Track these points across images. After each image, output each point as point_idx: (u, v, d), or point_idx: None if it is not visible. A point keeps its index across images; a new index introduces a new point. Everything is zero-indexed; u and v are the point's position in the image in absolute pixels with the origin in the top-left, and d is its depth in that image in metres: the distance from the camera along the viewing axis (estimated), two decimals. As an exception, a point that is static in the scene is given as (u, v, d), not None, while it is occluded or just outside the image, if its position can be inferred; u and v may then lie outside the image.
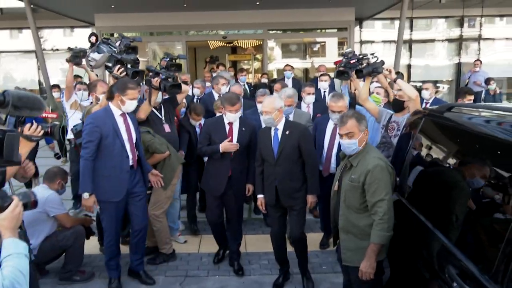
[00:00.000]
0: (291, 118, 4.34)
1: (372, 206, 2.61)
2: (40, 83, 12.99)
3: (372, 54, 4.01)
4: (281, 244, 3.78)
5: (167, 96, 4.46)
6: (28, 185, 5.78)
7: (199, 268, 4.15)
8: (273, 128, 3.57)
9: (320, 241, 4.51)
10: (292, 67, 8.42)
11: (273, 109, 3.46)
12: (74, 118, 4.91)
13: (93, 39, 4.23)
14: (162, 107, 4.43)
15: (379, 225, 2.56)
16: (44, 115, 2.50)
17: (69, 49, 5.14)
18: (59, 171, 3.91)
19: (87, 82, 5.82)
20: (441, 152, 2.71)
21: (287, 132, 3.50)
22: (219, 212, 4.04)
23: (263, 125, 3.83)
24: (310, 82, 6.18)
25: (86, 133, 3.45)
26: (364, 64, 3.91)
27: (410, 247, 2.67)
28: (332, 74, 6.83)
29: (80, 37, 13.07)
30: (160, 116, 4.39)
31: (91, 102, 5.13)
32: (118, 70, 3.82)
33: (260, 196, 3.73)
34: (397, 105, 4.05)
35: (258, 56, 14.00)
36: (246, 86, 7.91)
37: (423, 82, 5.19)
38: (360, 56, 3.98)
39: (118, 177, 3.52)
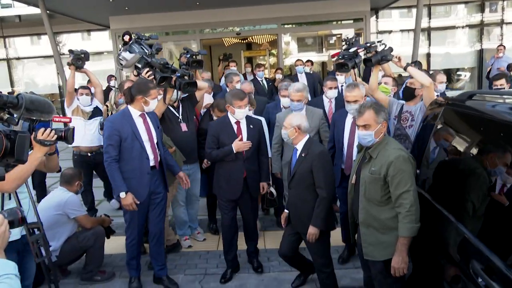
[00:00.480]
0: (302, 113, 4.06)
1: (396, 199, 2.53)
2: (60, 87, 13.23)
3: (380, 41, 3.87)
4: (292, 262, 3.65)
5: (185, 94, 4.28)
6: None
7: (218, 266, 4.14)
8: (294, 147, 3.37)
9: (340, 253, 4.16)
10: (304, 61, 8.26)
11: (290, 125, 3.26)
12: (76, 125, 4.27)
13: (126, 37, 4.05)
14: (181, 105, 4.30)
15: (407, 217, 2.48)
16: (56, 119, 2.51)
17: (70, 52, 4.91)
18: (75, 173, 3.95)
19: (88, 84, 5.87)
20: (464, 143, 2.59)
21: (303, 154, 3.23)
22: (234, 214, 3.89)
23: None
24: (332, 76, 5.94)
25: (106, 136, 3.47)
26: (373, 53, 3.78)
27: (432, 242, 2.57)
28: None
29: (97, 40, 13.30)
30: (178, 115, 4.27)
31: (95, 107, 5.20)
32: (146, 73, 3.79)
33: (285, 212, 3.52)
34: (408, 93, 3.90)
35: (274, 51, 13.91)
36: (264, 82, 7.81)
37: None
38: (367, 45, 3.84)
39: (139, 179, 3.52)
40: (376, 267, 2.69)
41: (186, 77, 3.93)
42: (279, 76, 8.03)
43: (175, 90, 4.03)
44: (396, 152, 2.56)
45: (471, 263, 2.01)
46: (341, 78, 5.92)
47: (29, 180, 2.80)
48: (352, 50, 3.86)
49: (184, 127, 4.25)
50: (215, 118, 4.39)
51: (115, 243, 4.40)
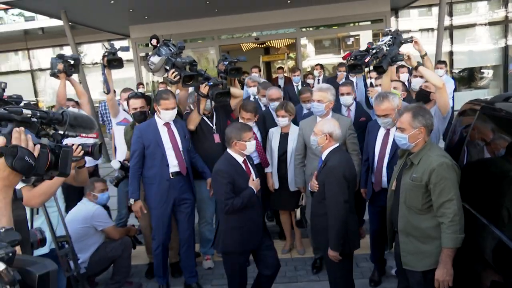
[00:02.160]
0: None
1: (438, 207, 2.43)
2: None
3: (385, 42, 3.55)
4: None
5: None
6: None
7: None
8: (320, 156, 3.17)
9: (371, 276, 3.82)
10: (319, 66, 7.88)
11: (321, 132, 3.04)
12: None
13: (154, 41, 3.95)
14: (214, 114, 4.14)
15: (451, 228, 2.38)
16: (83, 135, 2.51)
17: (60, 57, 4.19)
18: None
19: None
20: (502, 148, 2.47)
21: (323, 166, 3.03)
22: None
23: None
24: (347, 80, 5.65)
25: (132, 143, 3.69)
26: (381, 57, 3.49)
27: (471, 252, 2.46)
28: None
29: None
30: (211, 125, 4.10)
31: None
32: (172, 73, 3.75)
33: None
34: (422, 97, 3.69)
35: (292, 55, 13.85)
36: (300, 88, 7.04)
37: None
38: (373, 51, 3.51)
39: (159, 184, 3.66)
40: (415, 278, 2.61)
41: (219, 86, 3.80)
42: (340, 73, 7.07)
43: (208, 100, 3.94)
44: (440, 158, 2.46)
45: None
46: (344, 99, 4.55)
47: (59, 193, 2.83)
48: (367, 59, 3.56)
49: (217, 138, 4.06)
50: (240, 120, 4.03)
51: (143, 253, 4.40)
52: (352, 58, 3.69)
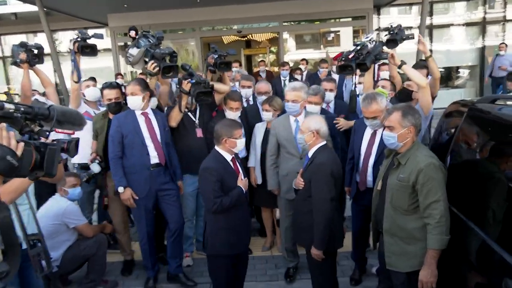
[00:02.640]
0: (300, 120, 3.57)
1: (425, 208, 2.41)
2: (57, 85, 13.03)
3: (370, 39, 3.56)
4: None
5: None
6: None
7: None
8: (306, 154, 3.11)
9: (351, 274, 3.80)
10: (305, 61, 7.75)
11: (307, 129, 2.99)
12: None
13: (132, 33, 3.80)
14: (198, 108, 4.04)
15: (437, 229, 2.36)
16: (58, 130, 2.37)
17: (23, 45, 3.97)
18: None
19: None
20: (489, 151, 2.46)
21: (309, 163, 2.98)
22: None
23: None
24: (329, 76, 5.57)
25: (110, 133, 3.62)
26: (365, 54, 3.46)
27: (455, 253, 2.44)
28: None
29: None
30: (194, 119, 4.01)
31: None
32: (151, 65, 3.59)
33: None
34: (404, 96, 3.71)
35: (273, 49, 13.76)
36: (287, 82, 7.08)
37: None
38: (357, 48, 3.48)
39: (139, 174, 3.60)
40: (399, 279, 2.59)
41: (202, 85, 3.67)
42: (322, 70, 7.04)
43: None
44: (427, 159, 2.44)
45: (504, 282, 1.89)
46: (328, 96, 4.36)
47: (30, 189, 2.67)
48: (351, 56, 3.53)
49: (199, 132, 3.99)
50: (227, 113, 3.97)
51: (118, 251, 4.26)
52: (343, 58, 3.61)
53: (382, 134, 2.78)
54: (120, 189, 3.55)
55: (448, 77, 13.04)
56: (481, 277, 2.20)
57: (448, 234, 2.38)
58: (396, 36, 3.57)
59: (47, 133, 1.27)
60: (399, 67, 3.41)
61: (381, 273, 3.22)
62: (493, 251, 2.05)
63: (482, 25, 12.56)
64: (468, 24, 12.67)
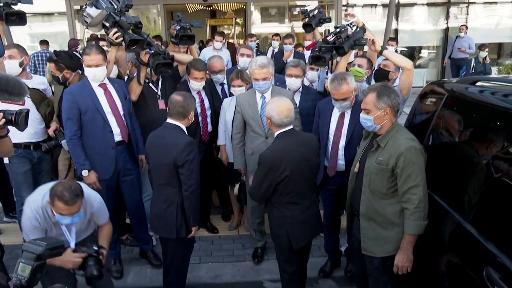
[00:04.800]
0: (267, 96, 3.43)
1: (404, 193, 2.34)
2: None
3: (350, 23, 3.36)
4: None
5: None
6: None
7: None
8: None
9: (322, 266, 3.63)
10: (283, 37, 7.37)
11: (266, 115, 2.75)
12: None
13: None
14: (160, 80, 3.78)
15: (415, 214, 2.31)
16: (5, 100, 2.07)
17: None
18: None
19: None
20: (470, 133, 2.39)
21: None
22: None
23: None
24: (297, 60, 4.96)
25: (64, 110, 3.19)
26: (344, 38, 3.28)
27: (436, 241, 2.40)
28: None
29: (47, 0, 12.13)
30: (156, 90, 3.76)
31: None
32: (114, 34, 3.22)
33: None
34: (381, 76, 3.61)
35: (239, 21, 13.35)
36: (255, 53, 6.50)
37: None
38: (337, 30, 3.31)
39: (104, 154, 3.30)
40: (373, 263, 2.53)
41: (161, 56, 3.37)
42: (253, 44, 6.99)
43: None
44: (408, 142, 2.34)
45: (486, 270, 1.84)
46: (311, 74, 4.17)
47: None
48: (329, 37, 3.35)
49: (161, 104, 3.71)
50: (192, 84, 3.73)
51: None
52: (317, 49, 3.39)
53: (355, 116, 2.64)
54: (84, 173, 3.20)
55: (411, 57, 13.18)
56: (456, 258, 2.18)
57: (426, 219, 2.32)
58: (312, 21, 3.43)
59: None
60: (380, 53, 3.34)
61: (350, 254, 3.18)
62: (470, 234, 2.02)
63: (446, 6, 12.71)
64: (432, 5, 12.79)
